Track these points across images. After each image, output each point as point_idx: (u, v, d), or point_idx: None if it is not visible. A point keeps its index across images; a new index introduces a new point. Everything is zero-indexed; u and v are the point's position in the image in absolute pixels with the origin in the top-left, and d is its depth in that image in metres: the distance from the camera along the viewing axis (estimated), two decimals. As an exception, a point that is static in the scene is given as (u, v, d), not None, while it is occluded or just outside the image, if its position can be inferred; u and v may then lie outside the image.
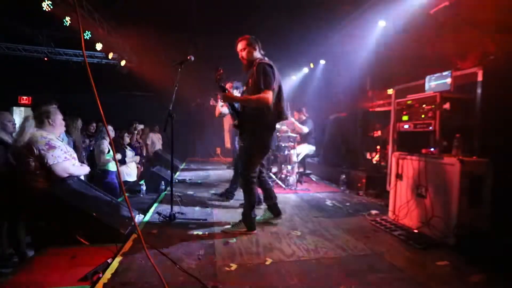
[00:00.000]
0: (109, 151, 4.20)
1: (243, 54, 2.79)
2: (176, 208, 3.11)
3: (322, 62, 7.60)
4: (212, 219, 3.11)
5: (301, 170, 5.33)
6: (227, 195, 3.91)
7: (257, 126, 2.71)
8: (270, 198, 3.05)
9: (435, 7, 4.41)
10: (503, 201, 2.61)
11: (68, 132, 3.97)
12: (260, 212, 3.20)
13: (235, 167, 3.36)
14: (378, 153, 4.91)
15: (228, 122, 7.12)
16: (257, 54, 2.80)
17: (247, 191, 2.78)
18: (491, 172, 2.60)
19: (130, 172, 4.98)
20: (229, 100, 2.86)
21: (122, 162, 4.74)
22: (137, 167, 5.34)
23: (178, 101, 3.04)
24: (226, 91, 2.84)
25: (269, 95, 2.58)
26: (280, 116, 2.77)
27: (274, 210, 3.05)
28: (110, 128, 4.41)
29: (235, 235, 2.69)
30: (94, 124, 5.31)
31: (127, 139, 5.09)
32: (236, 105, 2.97)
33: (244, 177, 2.77)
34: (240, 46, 2.81)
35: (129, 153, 5.04)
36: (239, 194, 4.26)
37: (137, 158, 5.37)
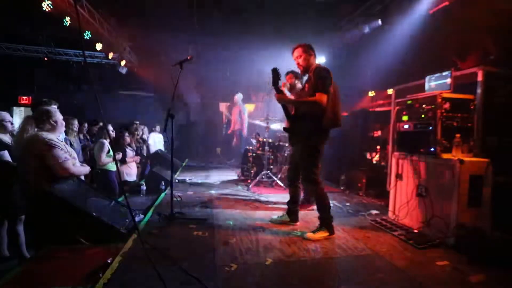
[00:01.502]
0: (109, 151, 4.20)
1: (300, 61, 2.84)
2: (176, 208, 3.11)
3: (322, 60, 7.59)
4: (212, 219, 3.11)
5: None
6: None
7: (310, 130, 2.71)
8: (295, 203, 3.05)
9: (435, 7, 4.42)
10: (503, 201, 2.62)
11: (65, 133, 3.96)
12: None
13: (291, 181, 3.09)
14: (378, 153, 4.90)
15: (235, 123, 7.14)
16: (313, 60, 2.86)
17: (316, 194, 2.76)
18: (491, 172, 2.60)
19: (130, 172, 4.98)
20: (284, 101, 2.85)
21: (123, 161, 4.74)
22: (137, 167, 5.34)
23: (178, 101, 3.05)
24: (282, 93, 2.84)
25: (324, 98, 2.61)
26: (336, 120, 2.75)
27: (293, 215, 3.04)
28: (110, 128, 4.42)
29: (315, 240, 2.61)
30: (98, 126, 5.32)
31: (127, 139, 5.09)
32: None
33: (308, 181, 2.79)
34: (296, 53, 2.85)
35: (130, 153, 5.04)
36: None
37: (138, 158, 5.37)
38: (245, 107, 7.15)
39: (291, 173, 3.09)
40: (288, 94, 3.36)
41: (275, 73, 2.81)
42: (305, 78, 2.97)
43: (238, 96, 7.08)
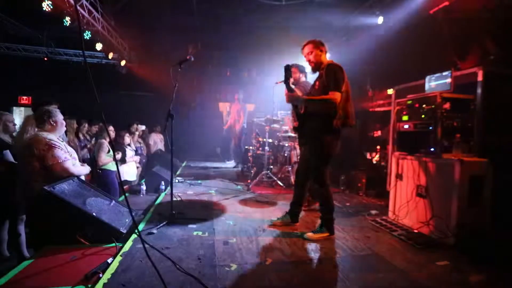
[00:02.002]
0: (109, 151, 4.20)
1: (310, 57, 2.75)
2: (176, 208, 3.11)
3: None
4: (212, 219, 3.11)
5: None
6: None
7: (321, 130, 2.61)
8: (298, 205, 3.02)
9: (435, 7, 4.42)
10: (503, 201, 2.62)
11: (64, 133, 3.96)
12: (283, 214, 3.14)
13: (297, 182, 3.05)
14: (378, 153, 4.91)
15: (234, 124, 7.18)
16: (324, 56, 2.78)
17: (322, 195, 2.72)
18: (491, 172, 2.60)
19: (130, 172, 4.98)
20: (294, 100, 2.76)
21: (122, 161, 4.74)
22: (137, 167, 5.34)
23: (178, 101, 3.04)
24: (293, 91, 2.76)
25: (337, 96, 2.50)
26: (347, 119, 2.61)
27: (294, 216, 3.01)
28: (110, 128, 4.42)
29: (315, 240, 2.60)
30: (98, 126, 5.32)
31: (127, 139, 5.09)
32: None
33: (316, 181, 2.72)
34: (306, 50, 2.77)
35: (130, 152, 5.04)
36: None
37: (137, 158, 5.37)
38: (246, 107, 7.21)
39: (300, 175, 3.00)
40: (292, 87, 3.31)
41: (288, 70, 2.72)
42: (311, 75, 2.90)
43: (239, 96, 7.16)
